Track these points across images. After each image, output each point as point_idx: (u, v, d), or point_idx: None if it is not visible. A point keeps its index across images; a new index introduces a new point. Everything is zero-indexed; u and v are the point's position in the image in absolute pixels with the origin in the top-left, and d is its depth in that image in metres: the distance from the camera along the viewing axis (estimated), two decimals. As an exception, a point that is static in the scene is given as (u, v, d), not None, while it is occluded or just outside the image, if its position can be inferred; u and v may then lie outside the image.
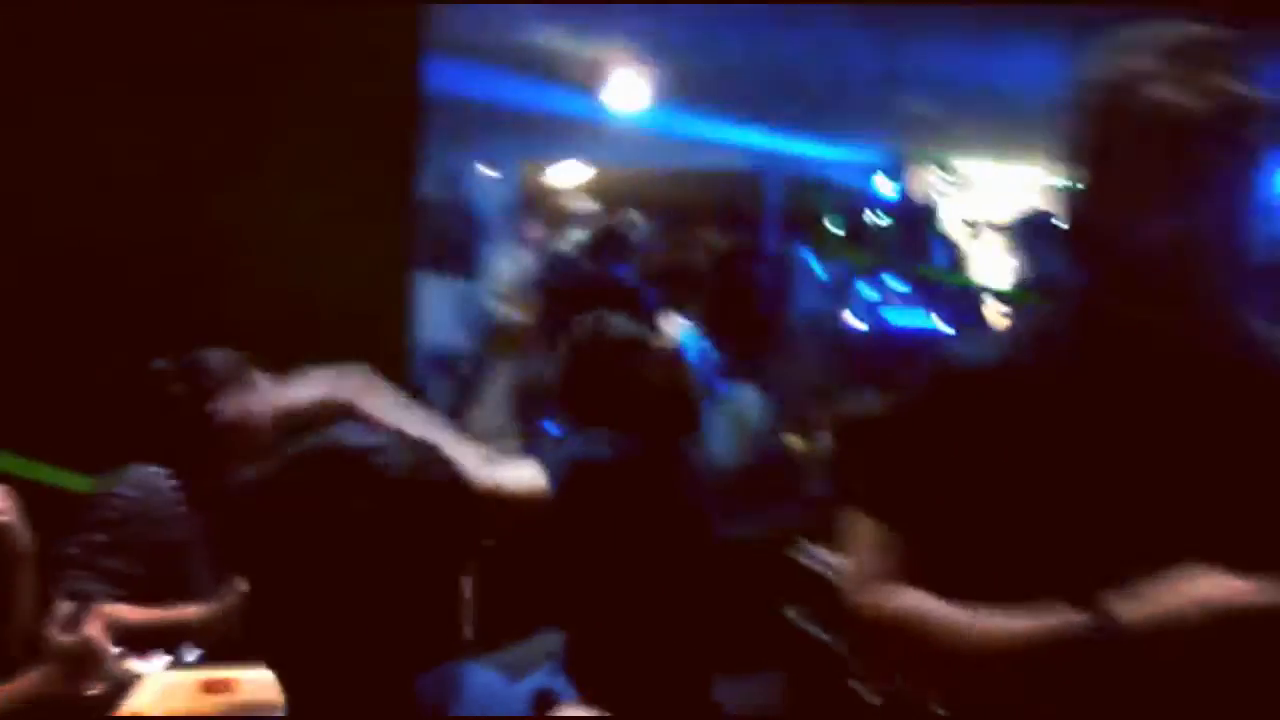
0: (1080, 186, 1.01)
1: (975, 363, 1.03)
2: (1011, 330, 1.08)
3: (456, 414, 5.66)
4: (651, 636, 1.90)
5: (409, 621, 0.77)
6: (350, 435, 0.80)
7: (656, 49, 4.97)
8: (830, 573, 2.15)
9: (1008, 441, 0.98)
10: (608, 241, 4.29)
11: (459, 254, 6.08)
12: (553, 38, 4.79)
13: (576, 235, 5.62)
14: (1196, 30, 0.97)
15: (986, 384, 1.00)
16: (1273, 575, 0.85)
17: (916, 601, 0.97)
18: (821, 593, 2.14)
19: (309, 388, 1.51)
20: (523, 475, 1.64)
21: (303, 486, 0.76)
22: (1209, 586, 0.84)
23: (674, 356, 2.06)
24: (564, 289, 4.38)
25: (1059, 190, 1.05)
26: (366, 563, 0.75)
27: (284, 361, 2.34)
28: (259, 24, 2.67)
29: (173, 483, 1.98)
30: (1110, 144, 0.97)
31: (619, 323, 2.05)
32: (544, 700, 0.80)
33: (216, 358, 2.08)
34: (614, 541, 1.93)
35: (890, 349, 4.99)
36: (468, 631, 0.86)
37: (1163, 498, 0.95)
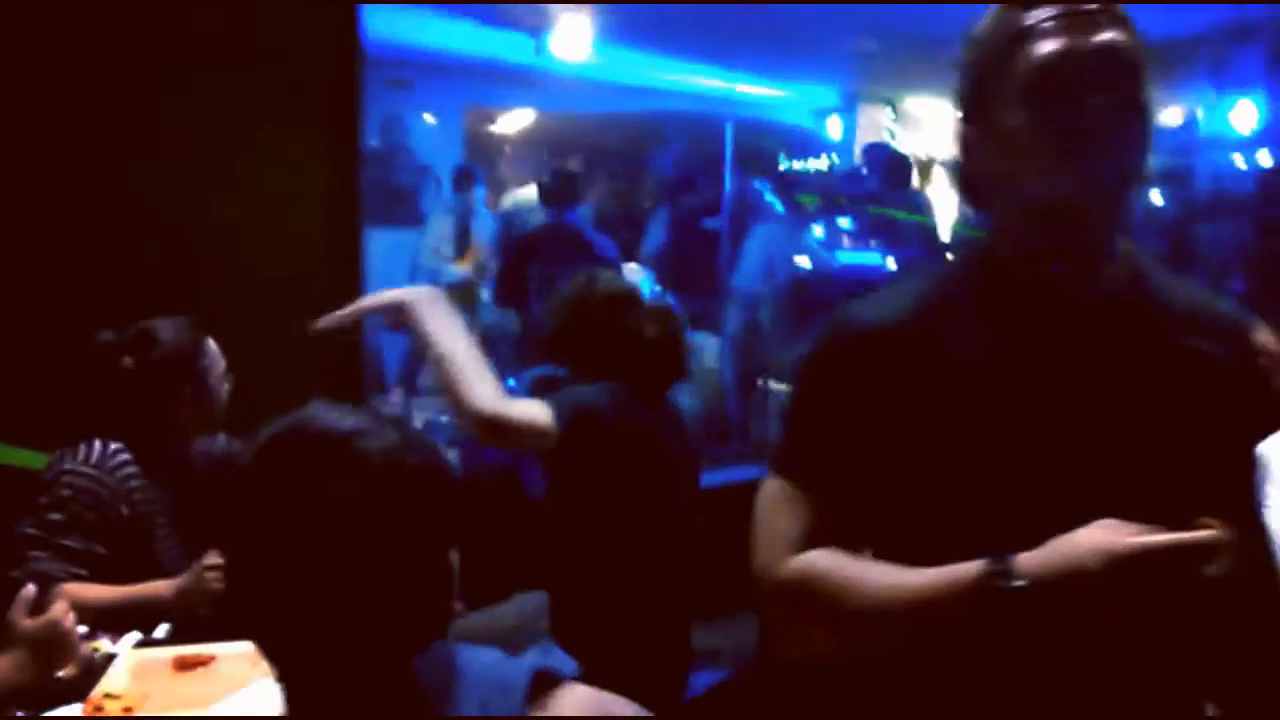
0: (970, 141, 1.02)
1: (875, 321, 1.02)
2: (913, 286, 1.06)
3: (411, 369, 5.62)
4: (638, 586, 1.93)
5: (400, 604, 0.76)
6: (331, 417, 0.78)
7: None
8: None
9: (910, 399, 0.98)
10: (560, 189, 4.23)
11: (403, 204, 5.97)
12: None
13: (529, 185, 5.52)
14: None
15: (887, 342, 1.00)
16: (1180, 520, 0.86)
17: (818, 560, 0.97)
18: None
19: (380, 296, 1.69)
20: (534, 411, 1.82)
21: (284, 472, 0.74)
22: (1106, 533, 0.85)
23: (667, 310, 2.10)
24: (522, 240, 4.34)
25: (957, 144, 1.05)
26: (352, 548, 0.74)
27: (234, 321, 2.31)
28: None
29: (127, 456, 1.93)
30: (996, 99, 0.98)
31: (610, 277, 2.11)
32: (544, 680, 0.80)
33: (166, 327, 2.02)
34: (607, 490, 1.96)
35: (839, 289, 5.01)
36: (457, 607, 0.85)
37: (1067, 449, 0.96)
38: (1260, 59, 5.12)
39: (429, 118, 6.76)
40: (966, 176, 1.06)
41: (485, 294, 5.71)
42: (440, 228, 5.62)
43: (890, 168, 5.08)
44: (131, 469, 1.93)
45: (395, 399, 5.23)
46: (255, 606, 0.76)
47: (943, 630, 0.91)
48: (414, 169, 6.28)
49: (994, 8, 1.01)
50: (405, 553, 0.75)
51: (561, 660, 0.81)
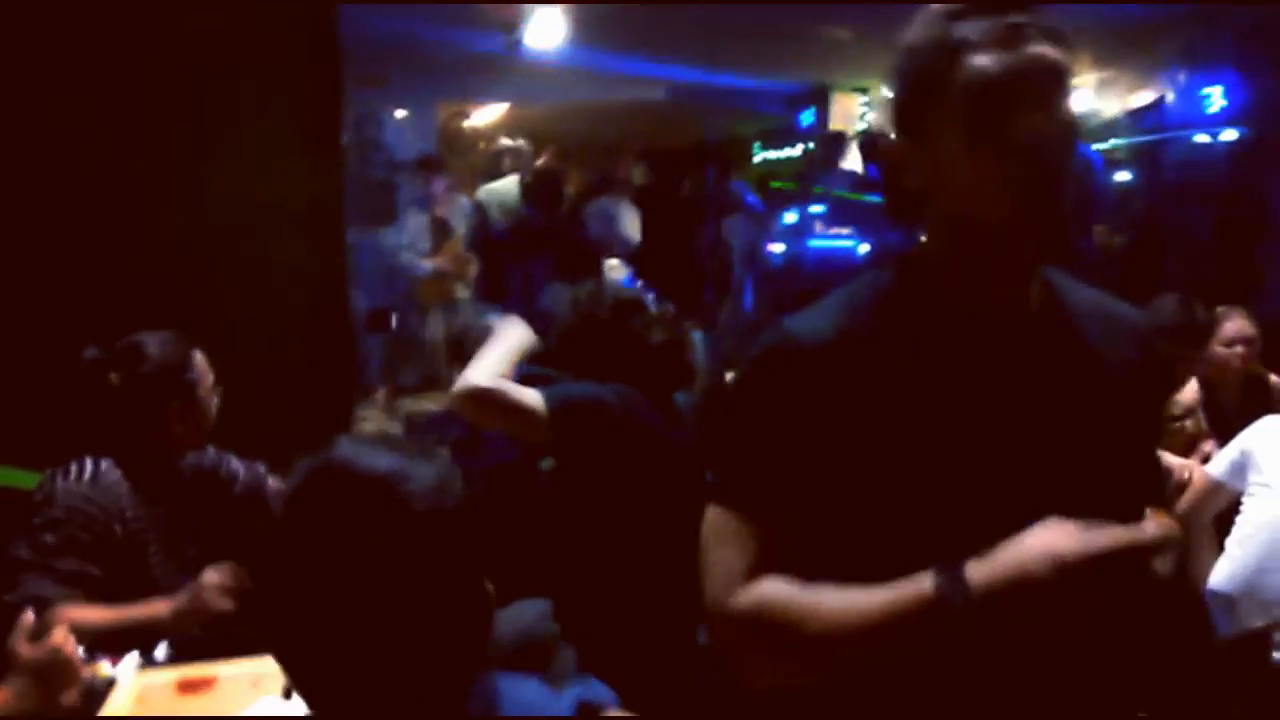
0: (900, 154, 1.01)
1: (808, 340, 1.00)
2: (845, 301, 1.04)
3: (391, 368, 5.58)
4: (645, 584, 1.93)
5: (443, 642, 0.75)
6: (368, 457, 0.76)
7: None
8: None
9: (846, 418, 0.97)
10: (543, 188, 4.21)
11: (378, 201, 5.90)
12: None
13: (506, 178, 5.47)
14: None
15: (820, 361, 0.98)
16: (1119, 517, 0.88)
17: (769, 591, 0.95)
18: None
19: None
20: (528, 394, 1.90)
21: (324, 519, 0.73)
22: (1053, 535, 0.85)
23: (672, 316, 2.10)
24: (504, 237, 4.31)
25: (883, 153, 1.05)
26: (395, 594, 0.73)
27: (221, 326, 2.28)
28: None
29: (118, 473, 1.91)
30: (931, 114, 0.97)
31: (615, 285, 2.11)
32: (587, 712, 0.79)
33: (153, 341, 1.99)
34: (612, 484, 1.97)
35: (810, 273, 5.04)
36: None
37: (1006, 457, 0.97)
38: (1229, 41, 5.18)
39: (401, 113, 6.70)
40: (894, 190, 1.04)
41: (462, 290, 5.70)
42: (414, 223, 5.57)
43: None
44: (123, 487, 1.90)
45: (379, 397, 5.20)
46: (296, 651, 0.74)
47: (902, 646, 0.91)
48: (388, 164, 6.22)
49: (925, 14, 0.99)
50: (447, 592, 0.75)
51: (602, 692, 0.81)
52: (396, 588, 0.72)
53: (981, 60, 0.93)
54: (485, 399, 1.87)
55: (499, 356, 1.96)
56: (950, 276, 1.01)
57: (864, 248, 5.22)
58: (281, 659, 0.75)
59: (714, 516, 1.00)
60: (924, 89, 0.97)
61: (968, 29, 0.95)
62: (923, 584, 0.88)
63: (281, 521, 0.75)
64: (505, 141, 5.07)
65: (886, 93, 7.59)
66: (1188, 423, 2.80)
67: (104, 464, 1.90)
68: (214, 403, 2.05)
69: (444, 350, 5.90)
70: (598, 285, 2.16)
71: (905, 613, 0.88)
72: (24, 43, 2.45)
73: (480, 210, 5.63)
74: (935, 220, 1.02)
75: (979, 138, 0.93)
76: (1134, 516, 0.92)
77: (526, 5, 4.87)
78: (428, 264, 5.43)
